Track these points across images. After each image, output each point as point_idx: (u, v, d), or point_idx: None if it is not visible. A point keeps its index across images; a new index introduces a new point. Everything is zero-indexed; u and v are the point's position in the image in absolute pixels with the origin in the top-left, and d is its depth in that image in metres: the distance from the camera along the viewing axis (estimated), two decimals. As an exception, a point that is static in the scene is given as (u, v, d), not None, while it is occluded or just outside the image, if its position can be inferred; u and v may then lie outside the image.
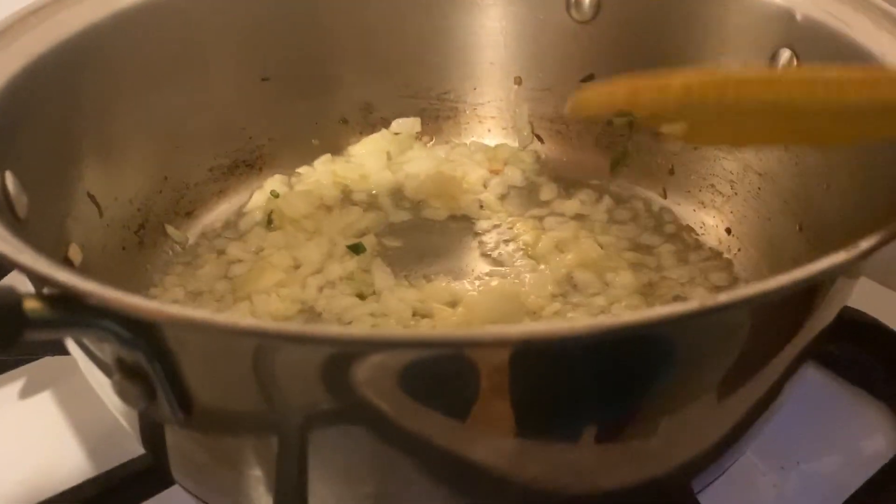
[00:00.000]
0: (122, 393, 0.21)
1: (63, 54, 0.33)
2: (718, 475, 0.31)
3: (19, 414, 0.40)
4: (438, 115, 0.48)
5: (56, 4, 0.34)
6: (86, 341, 0.22)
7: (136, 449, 0.34)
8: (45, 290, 0.19)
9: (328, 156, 0.46)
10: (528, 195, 0.46)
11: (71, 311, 0.19)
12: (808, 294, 0.25)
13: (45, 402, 0.41)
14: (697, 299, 0.21)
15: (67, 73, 0.33)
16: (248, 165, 0.45)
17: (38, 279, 0.19)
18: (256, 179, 0.45)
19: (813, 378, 0.42)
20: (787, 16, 0.36)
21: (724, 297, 0.21)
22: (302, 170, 0.46)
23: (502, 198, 0.45)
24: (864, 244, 0.22)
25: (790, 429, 0.39)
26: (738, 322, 0.24)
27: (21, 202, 0.28)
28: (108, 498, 0.32)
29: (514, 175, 0.46)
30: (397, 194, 0.45)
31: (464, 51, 0.46)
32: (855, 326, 0.40)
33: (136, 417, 0.27)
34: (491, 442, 0.24)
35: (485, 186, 0.46)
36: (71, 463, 0.37)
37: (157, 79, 0.38)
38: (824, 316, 0.27)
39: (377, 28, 0.45)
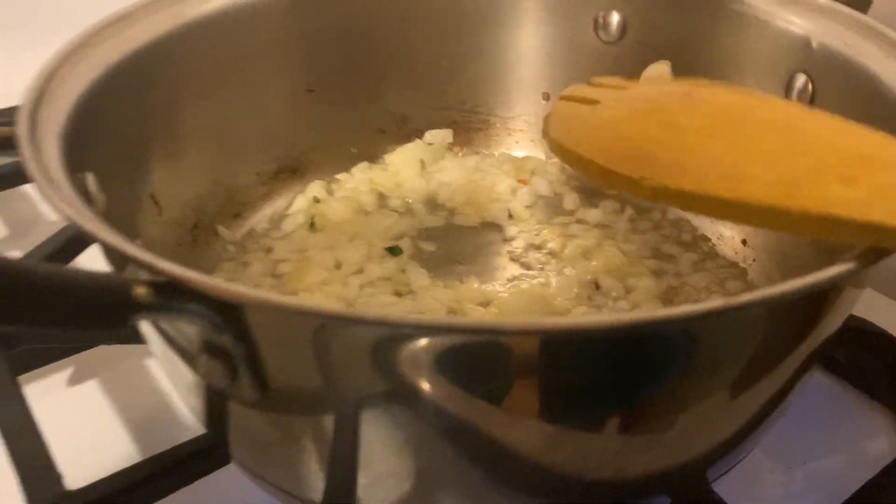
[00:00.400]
0: (206, 373, 0.24)
1: (134, 64, 0.36)
2: (732, 466, 0.34)
3: (68, 400, 0.43)
4: (470, 128, 0.51)
5: (127, 19, 0.37)
6: (174, 326, 0.25)
7: (179, 435, 0.36)
8: (148, 278, 0.22)
9: (365, 163, 0.49)
10: (553, 205, 0.48)
11: (172, 297, 0.22)
12: (817, 300, 0.27)
13: (92, 389, 0.44)
14: (720, 299, 0.24)
15: (138, 82, 0.36)
16: (292, 171, 0.47)
17: (147, 268, 0.21)
18: (299, 184, 0.47)
19: (820, 383, 0.44)
20: (804, 42, 0.38)
21: (743, 297, 0.23)
22: (341, 176, 0.48)
23: (529, 206, 0.48)
24: (870, 256, 0.24)
25: (798, 430, 0.41)
26: (753, 323, 0.26)
27: (100, 202, 0.31)
28: (164, 477, 0.35)
29: (541, 185, 0.49)
30: (431, 201, 0.48)
31: (496, 67, 0.49)
32: (861, 335, 0.42)
33: (201, 399, 0.30)
34: (520, 427, 0.27)
35: (513, 195, 0.48)
36: (120, 447, 0.39)
37: (213, 88, 0.41)
38: (832, 321, 0.29)
39: (416, 45, 0.47)
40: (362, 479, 0.27)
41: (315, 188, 0.47)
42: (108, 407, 0.43)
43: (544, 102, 0.49)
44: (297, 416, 0.26)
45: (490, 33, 0.48)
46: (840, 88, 0.37)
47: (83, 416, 0.42)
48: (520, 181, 0.49)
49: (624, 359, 0.25)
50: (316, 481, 0.28)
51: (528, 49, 0.48)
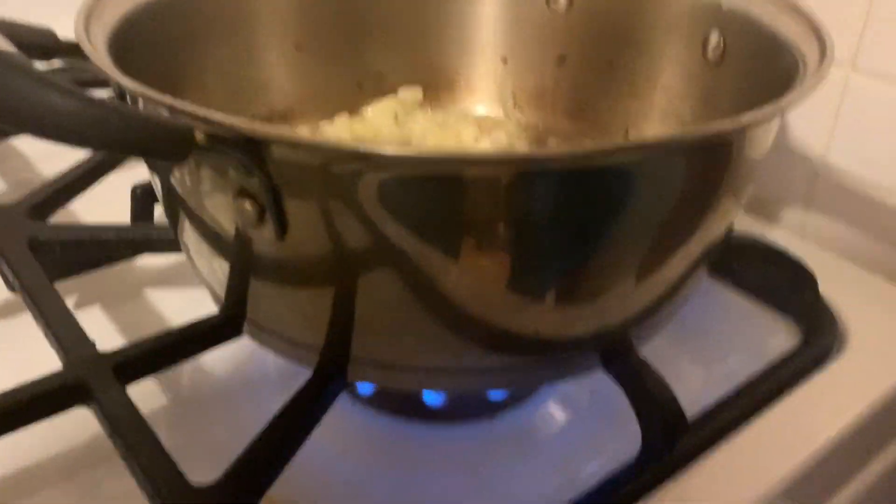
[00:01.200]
0: (239, 213, 0.31)
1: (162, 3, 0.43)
2: (650, 335, 0.41)
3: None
4: (438, 86, 0.58)
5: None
6: (214, 172, 0.31)
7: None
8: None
9: (346, 114, 0.56)
10: (509, 153, 0.56)
11: (219, 142, 0.28)
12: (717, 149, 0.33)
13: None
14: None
15: (164, 18, 0.43)
16: (282, 117, 0.54)
17: (201, 120, 0.28)
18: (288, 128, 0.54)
19: (727, 296, 0.51)
20: (716, 4, 0.46)
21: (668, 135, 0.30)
22: (324, 124, 0.56)
23: (490, 152, 0.55)
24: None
25: (703, 333, 0.49)
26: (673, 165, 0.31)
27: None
28: (183, 345, 0.40)
29: (499, 137, 0.56)
30: (405, 146, 0.55)
31: (461, 34, 0.56)
32: (764, 252, 0.51)
33: (224, 262, 0.36)
34: (472, 278, 0.32)
35: (475, 142, 0.56)
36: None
37: (223, 36, 0.48)
38: (731, 180, 0.34)
39: (394, 10, 0.54)
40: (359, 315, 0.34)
41: (301, 133, 0.54)
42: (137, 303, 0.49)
43: (503, 65, 0.57)
44: (309, 261, 0.33)
45: (457, 3, 0.55)
46: (747, 42, 0.45)
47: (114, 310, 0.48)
48: (482, 132, 0.56)
49: (566, 195, 0.31)
50: (320, 324, 0.35)
51: (489, 18, 0.56)
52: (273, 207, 0.30)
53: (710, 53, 0.47)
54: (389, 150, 0.28)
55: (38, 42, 0.45)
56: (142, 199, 0.51)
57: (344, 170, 0.29)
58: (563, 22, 0.54)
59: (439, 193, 0.30)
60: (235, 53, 0.49)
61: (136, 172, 0.52)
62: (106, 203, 0.52)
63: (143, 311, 0.49)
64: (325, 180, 0.29)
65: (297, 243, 0.32)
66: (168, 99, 0.29)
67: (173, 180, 0.35)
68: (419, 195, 0.30)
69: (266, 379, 0.44)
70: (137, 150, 0.28)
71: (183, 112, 0.29)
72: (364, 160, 0.28)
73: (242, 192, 0.30)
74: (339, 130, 0.55)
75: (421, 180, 0.29)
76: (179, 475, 0.33)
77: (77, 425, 0.38)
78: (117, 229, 0.47)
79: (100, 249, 0.47)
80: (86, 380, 0.37)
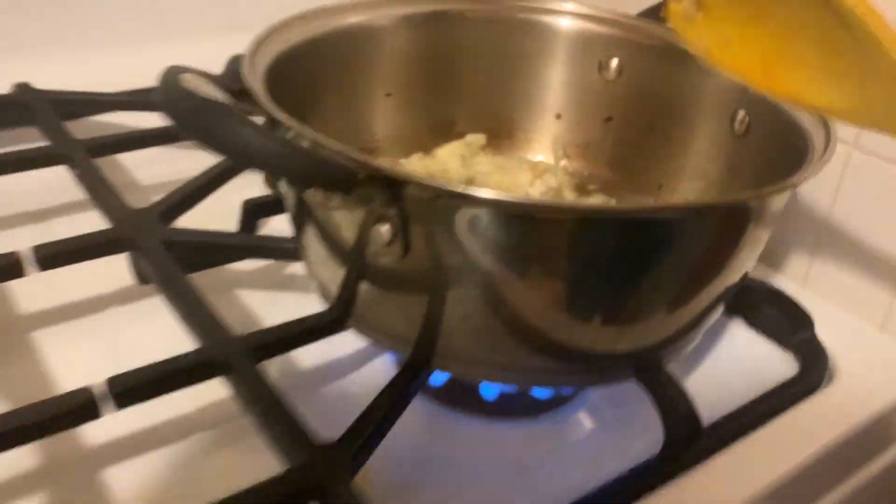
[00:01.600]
0: (376, 234, 0.40)
1: (298, 50, 0.52)
2: (675, 357, 0.50)
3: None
4: (500, 135, 0.66)
5: (297, 21, 0.53)
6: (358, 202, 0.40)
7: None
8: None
9: (421, 153, 0.66)
10: (557, 195, 0.64)
11: (376, 181, 0.38)
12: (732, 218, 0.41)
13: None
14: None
15: (300, 63, 0.52)
16: (370, 152, 0.64)
17: (364, 165, 0.37)
18: (374, 162, 0.64)
19: (737, 330, 0.59)
20: (743, 86, 0.56)
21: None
22: (402, 160, 0.65)
23: (543, 194, 0.64)
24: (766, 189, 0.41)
25: (717, 358, 0.57)
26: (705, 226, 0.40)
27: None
28: (300, 335, 0.49)
29: (549, 180, 0.66)
30: (469, 183, 0.65)
31: (525, 92, 0.65)
32: (771, 295, 0.59)
33: (340, 268, 0.45)
34: (536, 299, 0.41)
35: (530, 185, 0.65)
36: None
37: (336, 80, 0.58)
38: (746, 243, 0.43)
39: (472, 71, 0.64)
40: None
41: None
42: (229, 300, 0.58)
43: (556, 121, 0.67)
44: (417, 274, 0.42)
45: (523, 67, 0.65)
46: (768, 121, 0.53)
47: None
48: (534, 177, 0.66)
49: (619, 244, 0.40)
50: (416, 323, 0.44)
51: (549, 81, 0.65)
52: (403, 232, 0.40)
53: (737, 127, 0.57)
54: (488, 194, 0.37)
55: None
56: (250, 212, 0.60)
57: (450, 206, 0.38)
58: (611, 88, 0.64)
59: (517, 229, 0.39)
60: (344, 97, 0.59)
61: (234, 186, 0.62)
62: (208, 213, 0.62)
63: (233, 307, 0.58)
64: (437, 213, 0.39)
65: (411, 260, 0.41)
66: (339, 146, 0.39)
67: (309, 199, 0.44)
68: (503, 230, 0.39)
69: (364, 366, 0.54)
70: (314, 183, 0.38)
71: (350, 158, 0.38)
72: (463, 199, 0.38)
73: (382, 218, 0.40)
74: (415, 166, 0.65)
75: (507, 218, 0.39)
76: (304, 434, 0.42)
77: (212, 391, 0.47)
78: (238, 236, 0.57)
79: (218, 252, 0.57)
80: (225, 358, 0.46)
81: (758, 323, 0.59)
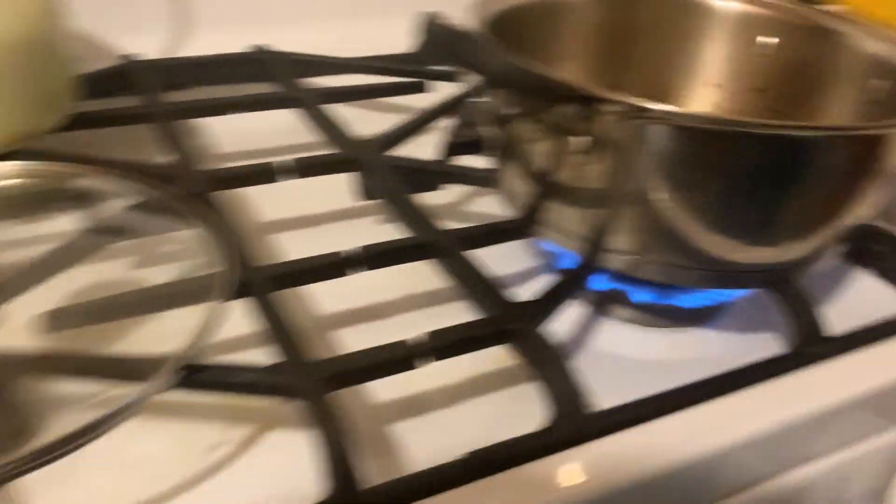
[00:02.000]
0: (577, 145, 0.52)
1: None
2: (802, 273, 0.59)
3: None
4: (664, 101, 0.78)
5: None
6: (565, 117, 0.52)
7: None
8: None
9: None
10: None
11: (576, 101, 0.50)
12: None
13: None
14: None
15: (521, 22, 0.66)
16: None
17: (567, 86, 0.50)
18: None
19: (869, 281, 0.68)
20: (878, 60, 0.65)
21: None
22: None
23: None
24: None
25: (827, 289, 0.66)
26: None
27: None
28: (491, 235, 0.62)
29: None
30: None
31: (689, 64, 0.75)
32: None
33: (532, 185, 0.58)
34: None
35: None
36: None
37: (529, 44, 0.71)
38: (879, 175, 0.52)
39: (643, 43, 0.76)
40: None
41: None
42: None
43: (717, 90, 0.77)
44: (600, 181, 0.54)
45: (688, 42, 0.76)
46: None
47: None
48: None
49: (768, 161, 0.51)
50: (592, 224, 0.56)
51: (713, 53, 0.76)
52: (597, 144, 0.52)
53: (870, 94, 0.66)
54: (668, 108, 0.49)
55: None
56: (450, 149, 0.74)
57: (632, 120, 0.50)
58: (767, 62, 0.74)
59: (690, 141, 0.50)
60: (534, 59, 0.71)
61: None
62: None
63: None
64: (625, 127, 0.51)
65: (598, 169, 0.53)
66: (571, 80, 0.51)
67: (517, 120, 0.57)
68: (677, 141, 0.50)
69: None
70: (540, 98, 0.51)
71: (563, 81, 0.51)
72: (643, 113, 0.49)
73: (585, 131, 0.52)
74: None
75: (678, 129, 0.50)
76: (500, 295, 0.55)
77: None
78: (443, 164, 0.71)
79: (427, 176, 0.71)
80: (437, 243, 0.60)
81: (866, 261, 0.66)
